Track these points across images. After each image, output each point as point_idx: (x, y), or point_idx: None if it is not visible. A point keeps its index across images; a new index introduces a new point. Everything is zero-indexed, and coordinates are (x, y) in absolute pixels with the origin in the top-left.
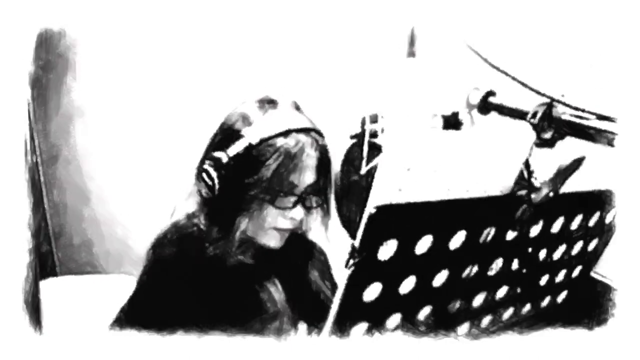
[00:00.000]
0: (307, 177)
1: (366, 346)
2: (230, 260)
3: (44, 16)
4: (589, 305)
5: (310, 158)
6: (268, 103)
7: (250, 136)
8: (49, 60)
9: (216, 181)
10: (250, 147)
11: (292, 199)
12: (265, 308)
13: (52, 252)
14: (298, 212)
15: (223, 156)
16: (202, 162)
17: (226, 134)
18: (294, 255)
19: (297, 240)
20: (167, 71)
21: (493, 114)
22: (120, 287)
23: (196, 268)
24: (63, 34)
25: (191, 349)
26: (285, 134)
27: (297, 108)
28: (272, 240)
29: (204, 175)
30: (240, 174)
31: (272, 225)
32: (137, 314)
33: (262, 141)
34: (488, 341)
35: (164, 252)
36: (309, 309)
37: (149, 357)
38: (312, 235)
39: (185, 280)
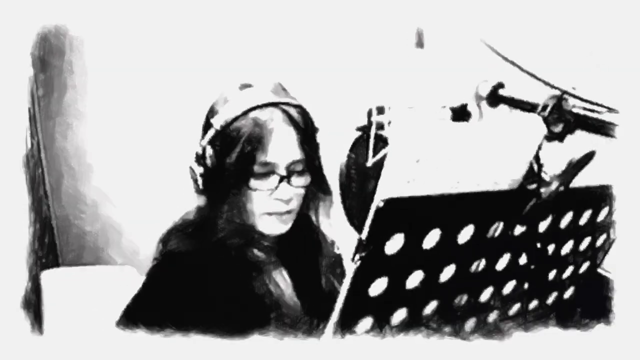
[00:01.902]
0: (286, 153)
1: (371, 344)
2: (238, 253)
3: (45, 15)
4: (594, 302)
5: (282, 132)
6: (245, 87)
7: (216, 123)
8: (50, 60)
9: (198, 176)
10: (216, 134)
11: (274, 178)
12: (272, 302)
13: (55, 244)
14: (283, 191)
15: (198, 149)
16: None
17: (204, 126)
18: (305, 247)
19: (309, 231)
20: (172, 70)
21: (502, 107)
22: (123, 278)
23: (204, 261)
24: (64, 32)
25: (195, 347)
26: (247, 112)
27: (278, 89)
28: (272, 226)
29: (190, 171)
30: (213, 163)
31: (263, 211)
32: (145, 308)
33: (226, 126)
34: (492, 340)
35: (173, 245)
36: (319, 305)
37: (154, 356)
38: (325, 227)
39: (194, 273)
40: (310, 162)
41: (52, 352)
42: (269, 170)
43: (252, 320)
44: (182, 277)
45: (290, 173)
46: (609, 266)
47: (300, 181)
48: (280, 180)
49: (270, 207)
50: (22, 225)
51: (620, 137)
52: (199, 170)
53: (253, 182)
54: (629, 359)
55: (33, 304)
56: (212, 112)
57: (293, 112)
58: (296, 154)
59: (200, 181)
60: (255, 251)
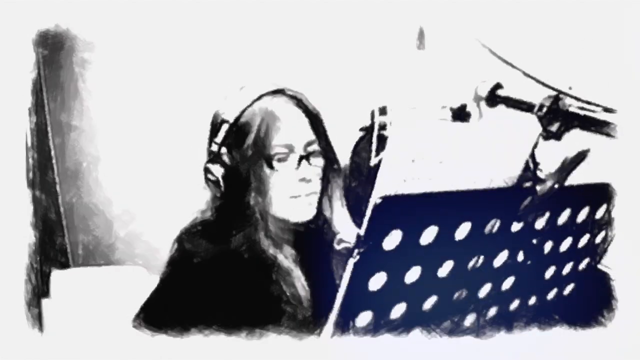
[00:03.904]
0: (300, 134)
1: (371, 342)
2: (255, 252)
3: (51, 16)
4: (595, 298)
5: (292, 114)
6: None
7: (228, 117)
8: (59, 61)
9: (220, 177)
10: (230, 128)
11: (294, 158)
12: (287, 303)
13: (66, 245)
14: (306, 170)
15: (214, 147)
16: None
17: (213, 126)
18: (318, 245)
19: (322, 231)
20: (179, 70)
21: (500, 107)
22: (134, 278)
23: (220, 261)
24: (70, 33)
25: (198, 347)
26: (256, 100)
27: (275, 85)
28: (299, 212)
29: (209, 175)
30: (231, 159)
31: (289, 195)
32: (161, 308)
33: (239, 116)
34: (493, 337)
35: (189, 244)
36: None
37: (160, 356)
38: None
39: (210, 273)
40: (322, 144)
41: (58, 352)
42: (288, 151)
43: (265, 320)
44: (198, 277)
45: (308, 153)
46: (609, 263)
47: (318, 161)
48: (300, 160)
49: (295, 190)
50: (23, 224)
51: (619, 136)
52: (220, 171)
53: (275, 163)
54: (630, 356)
55: (37, 305)
56: (217, 117)
57: (300, 97)
58: (310, 134)
59: (222, 182)
60: (272, 250)
